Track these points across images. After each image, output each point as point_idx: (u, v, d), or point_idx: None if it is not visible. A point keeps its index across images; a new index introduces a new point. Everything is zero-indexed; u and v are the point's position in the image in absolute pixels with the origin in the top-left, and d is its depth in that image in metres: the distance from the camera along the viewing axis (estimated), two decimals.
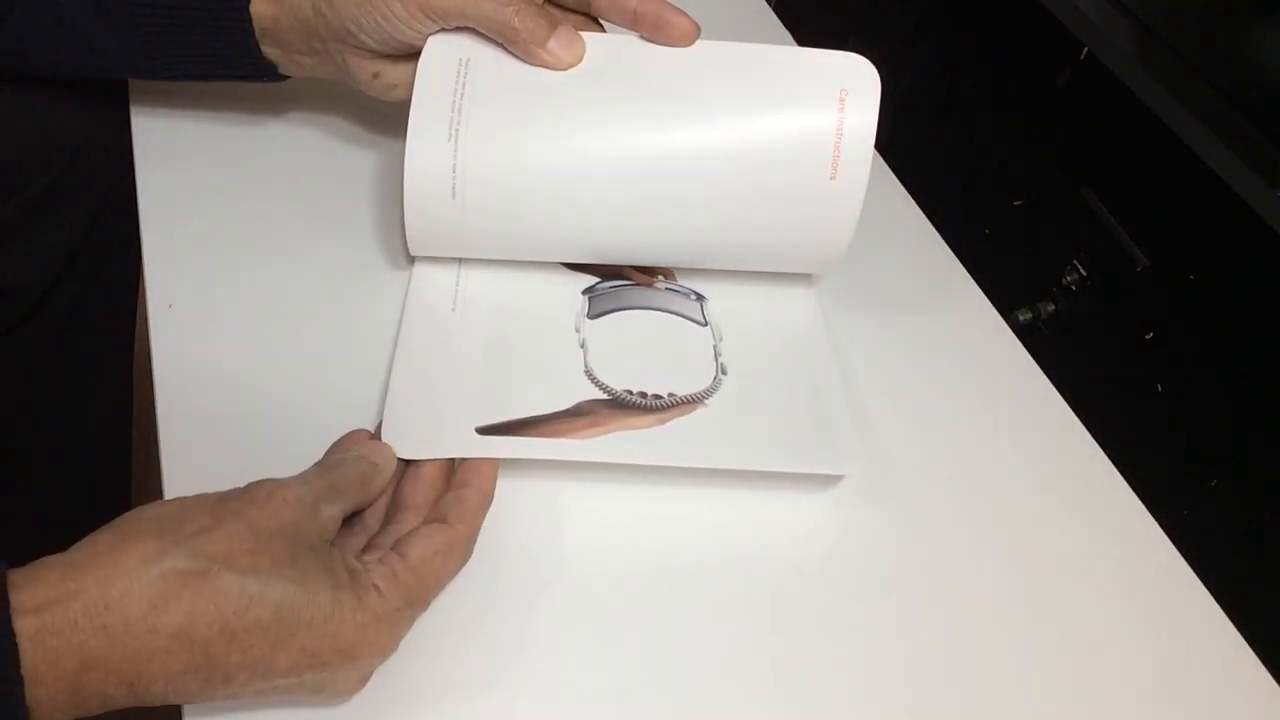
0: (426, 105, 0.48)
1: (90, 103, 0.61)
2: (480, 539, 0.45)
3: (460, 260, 0.54)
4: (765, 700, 0.42)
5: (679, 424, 0.48)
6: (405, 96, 0.49)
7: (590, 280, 0.54)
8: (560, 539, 0.45)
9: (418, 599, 0.39)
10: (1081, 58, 0.88)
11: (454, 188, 0.48)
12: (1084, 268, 0.90)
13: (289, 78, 0.55)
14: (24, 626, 0.32)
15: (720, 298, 0.55)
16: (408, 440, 0.44)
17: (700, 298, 0.54)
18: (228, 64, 0.53)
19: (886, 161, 0.65)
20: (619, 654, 0.42)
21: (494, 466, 0.44)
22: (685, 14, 0.50)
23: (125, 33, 0.51)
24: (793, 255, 0.53)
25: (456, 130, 0.48)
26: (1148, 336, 0.85)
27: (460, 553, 0.41)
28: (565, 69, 0.49)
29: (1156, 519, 0.50)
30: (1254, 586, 0.60)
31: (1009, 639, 0.45)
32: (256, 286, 0.52)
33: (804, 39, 0.72)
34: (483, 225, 0.50)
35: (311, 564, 0.36)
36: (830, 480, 0.49)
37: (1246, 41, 0.85)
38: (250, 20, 0.50)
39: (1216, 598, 0.48)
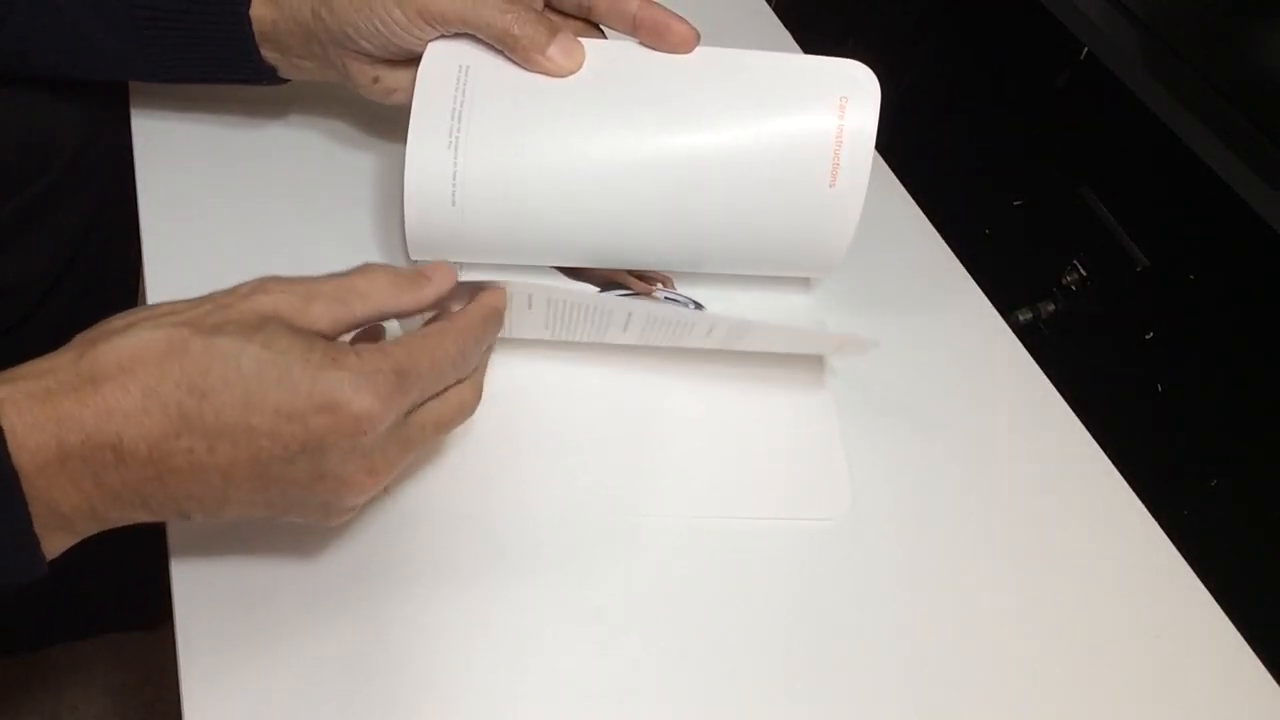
0: (426, 112, 0.48)
1: (90, 103, 0.61)
2: (483, 542, 0.45)
3: (460, 265, 0.54)
4: (767, 701, 0.42)
5: None
6: (405, 100, 0.49)
7: (589, 290, 0.54)
8: (562, 541, 0.45)
9: (406, 370, 0.37)
10: (1081, 58, 0.88)
11: (454, 195, 0.48)
12: (1084, 268, 0.90)
13: (289, 81, 0.55)
14: None
15: (718, 304, 0.55)
16: None
17: (699, 308, 0.54)
18: (228, 67, 0.53)
19: (886, 162, 0.65)
20: (620, 657, 0.42)
21: (504, 291, 0.43)
22: (685, 21, 0.49)
23: (125, 35, 0.51)
24: (791, 260, 0.53)
25: (456, 138, 0.48)
26: (1148, 336, 0.85)
27: (455, 336, 0.39)
28: (565, 75, 0.49)
29: (1156, 519, 0.50)
30: (1254, 586, 0.60)
31: (1009, 639, 0.45)
32: None
33: (804, 40, 0.72)
34: (482, 232, 0.50)
35: (280, 331, 0.36)
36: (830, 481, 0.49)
37: (1246, 41, 0.85)
38: (250, 24, 0.50)
39: (1216, 598, 0.48)
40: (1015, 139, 1.00)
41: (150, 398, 0.33)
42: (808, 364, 0.54)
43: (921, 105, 1.09)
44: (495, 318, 0.42)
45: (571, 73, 0.49)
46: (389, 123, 0.60)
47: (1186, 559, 0.49)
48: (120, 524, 0.36)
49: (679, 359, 0.53)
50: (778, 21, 0.75)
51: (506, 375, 0.50)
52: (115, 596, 1.00)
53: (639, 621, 0.43)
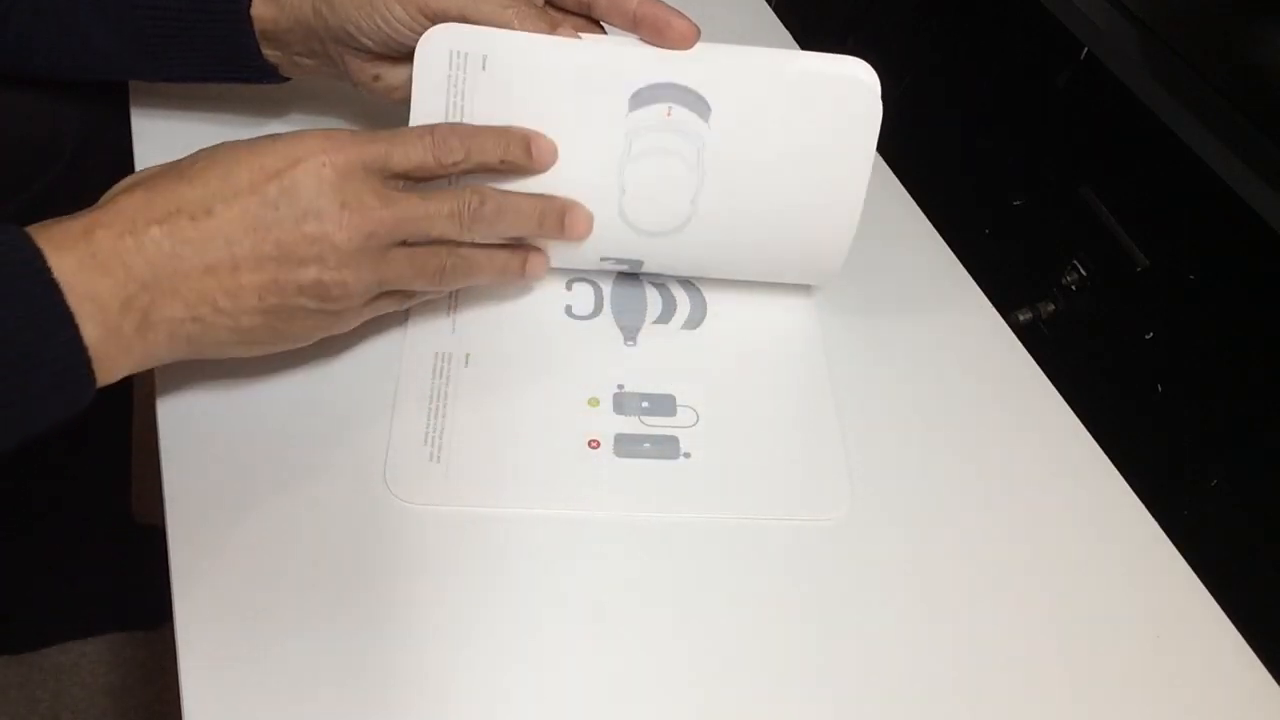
0: (424, 107, 0.48)
1: (90, 103, 0.61)
2: (482, 542, 0.45)
3: (455, 291, 0.53)
4: (767, 700, 0.42)
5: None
6: (406, 98, 0.49)
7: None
8: (561, 540, 0.45)
9: (379, 139, 0.43)
10: (1081, 58, 0.88)
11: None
12: (1084, 268, 0.90)
13: (289, 80, 0.55)
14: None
15: (719, 307, 0.55)
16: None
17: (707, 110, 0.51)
18: (229, 66, 0.53)
19: (887, 162, 0.65)
20: (618, 656, 0.42)
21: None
22: (686, 17, 0.49)
23: (126, 35, 0.51)
24: (791, 266, 0.53)
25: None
26: (1148, 336, 0.85)
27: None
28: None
29: (1156, 519, 0.50)
30: (1254, 586, 0.60)
31: (1009, 639, 0.45)
32: None
33: (804, 39, 0.72)
34: None
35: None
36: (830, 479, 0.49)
37: (1246, 41, 0.85)
38: (251, 22, 0.50)
39: (1216, 598, 0.48)
40: (1015, 139, 1.00)
41: (150, 190, 0.40)
42: (809, 363, 0.54)
43: (921, 105, 1.09)
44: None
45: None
46: (389, 123, 0.60)
47: (1186, 559, 0.49)
48: (158, 328, 0.40)
49: (681, 359, 0.53)
50: (777, 21, 0.75)
51: (505, 372, 0.51)
52: (115, 596, 1.00)
53: (638, 620, 0.43)
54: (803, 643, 0.44)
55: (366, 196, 0.42)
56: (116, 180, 0.62)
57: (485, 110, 0.48)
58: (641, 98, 0.49)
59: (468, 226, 0.45)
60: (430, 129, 0.45)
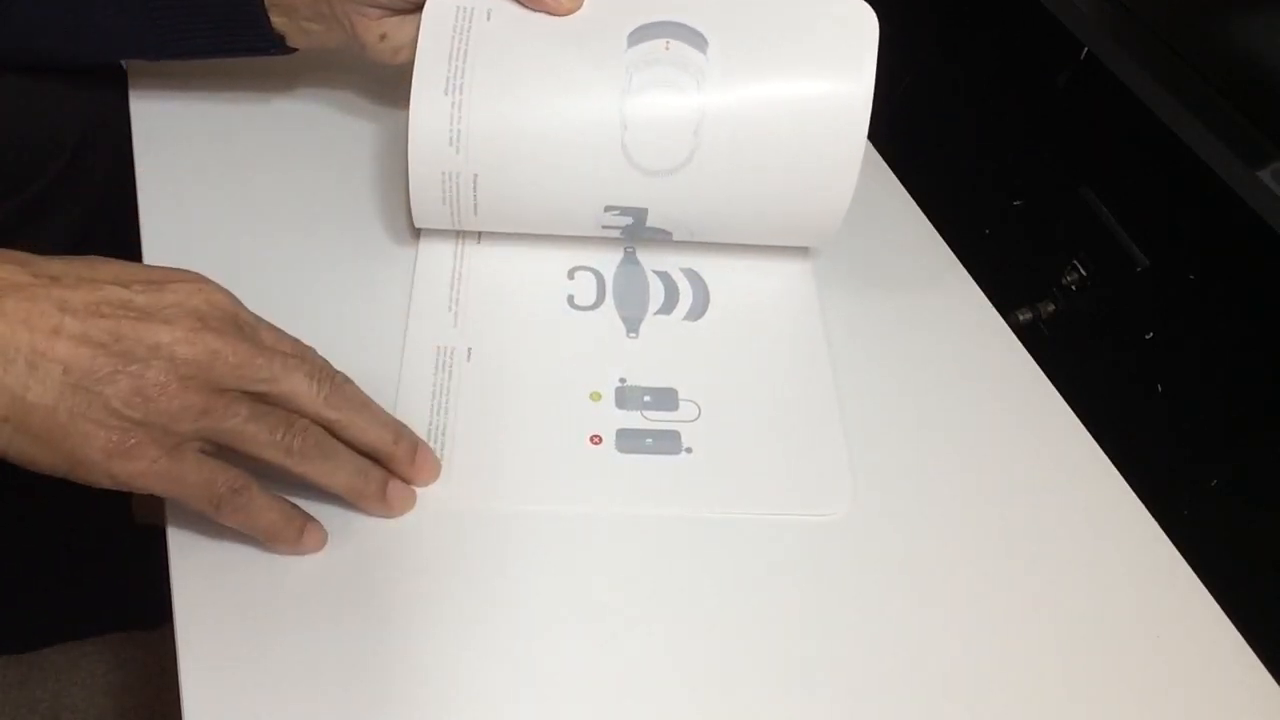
0: (430, 58, 0.49)
1: (90, 102, 0.61)
2: (482, 541, 0.45)
3: (460, 233, 0.53)
4: (767, 698, 0.42)
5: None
6: (411, 59, 0.49)
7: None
8: (561, 538, 0.45)
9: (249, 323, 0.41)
10: (1081, 58, 0.88)
11: (454, 139, 0.48)
12: (1084, 268, 0.90)
13: (296, 50, 0.55)
14: None
15: (722, 296, 0.55)
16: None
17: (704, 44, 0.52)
18: (236, 35, 0.53)
19: (886, 162, 0.65)
20: (618, 653, 0.42)
21: (433, 473, 0.45)
22: None
23: (132, 10, 0.51)
24: (795, 211, 0.53)
25: (460, 83, 0.48)
26: (1148, 336, 0.85)
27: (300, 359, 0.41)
28: (566, 14, 0.49)
29: (1156, 519, 0.50)
30: (1254, 586, 0.60)
31: (1008, 639, 0.45)
32: (258, 285, 0.52)
33: None
34: (483, 179, 0.50)
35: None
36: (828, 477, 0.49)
37: (1247, 41, 0.85)
38: None
39: (1216, 598, 0.48)
40: (1015, 139, 1.00)
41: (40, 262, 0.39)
42: (812, 359, 0.54)
43: (921, 105, 1.09)
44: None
45: (572, 10, 0.49)
46: (393, 95, 0.60)
47: (1186, 559, 0.49)
48: None
49: (684, 351, 0.53)
50: None
51: (508, 367, 0.51)
52: (115, 596, 1.00)
53: (639, 616, 0.43)
54: (803, 639, 0.44)
55: (227, 326, 0.39)
56: (116, 179, 0.62)
57: (488, 59, 0.49)
58: (638, 35, 0.49)
59: (326, 396, 0.41)
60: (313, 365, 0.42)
